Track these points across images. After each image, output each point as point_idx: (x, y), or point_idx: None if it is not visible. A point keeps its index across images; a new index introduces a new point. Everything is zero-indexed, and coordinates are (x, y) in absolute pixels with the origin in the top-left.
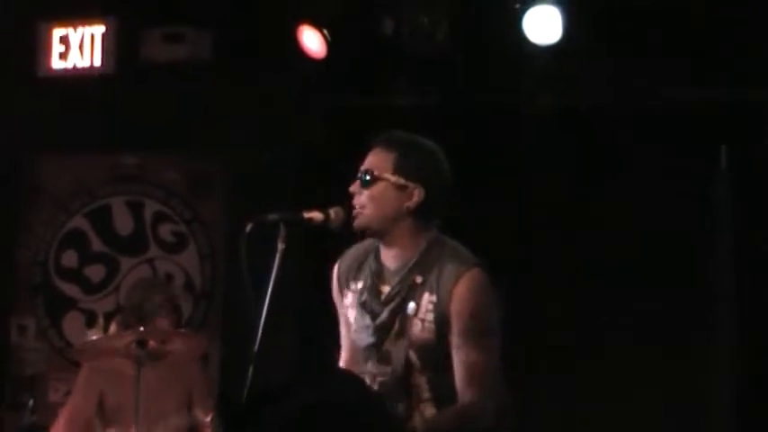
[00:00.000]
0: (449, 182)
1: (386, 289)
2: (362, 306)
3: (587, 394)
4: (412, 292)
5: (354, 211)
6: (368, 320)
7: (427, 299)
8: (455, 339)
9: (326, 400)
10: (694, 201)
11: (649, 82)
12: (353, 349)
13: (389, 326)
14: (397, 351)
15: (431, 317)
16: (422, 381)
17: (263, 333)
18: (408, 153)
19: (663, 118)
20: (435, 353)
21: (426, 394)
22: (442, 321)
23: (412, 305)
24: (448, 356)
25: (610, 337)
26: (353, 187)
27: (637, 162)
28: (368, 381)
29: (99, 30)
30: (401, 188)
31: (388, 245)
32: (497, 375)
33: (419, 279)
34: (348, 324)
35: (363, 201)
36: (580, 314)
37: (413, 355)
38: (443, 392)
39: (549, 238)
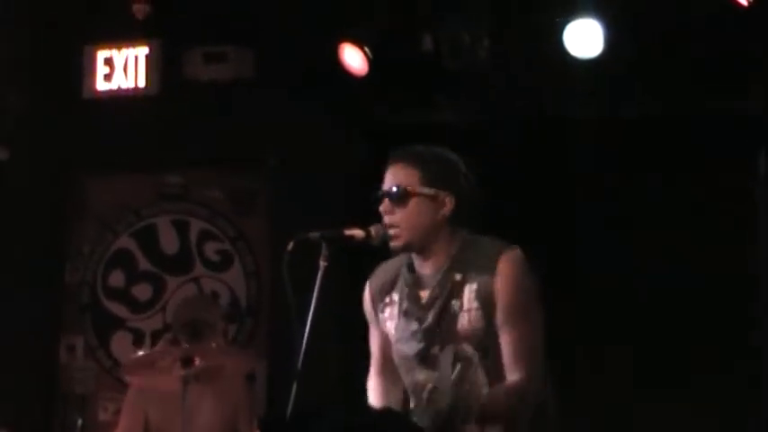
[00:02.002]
0: (473, 185)
1: (425, 294)
2: (405, 314)
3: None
4: (454, 290)
5: (392, 232)
6: (414, 326)
7: (469, 290)
8: (500, 317)
9: (369, 425)
10: (737, 209)
11: (689, 94)
12: (388, 361)
13: (435, 329)
14: (445, 355)
15: (476, 304)
16: (479, 375)
17: (306, 350)
18: (431, 164)
19: (703, 128)
20: (488, 340)
21: (485, 389)
22: (487, 303)
23: (456, 303)
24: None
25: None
26: (384, 207)
27: (679, 173)
28: (416, 393)
29: (143, 51)
30: (433, 199)
31: (424, 255)
32: (543, 353)
33: (458, 277)
34: (386, 338)
35: (398, 219)
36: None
37: (468, 349)
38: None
39: (593, 249)
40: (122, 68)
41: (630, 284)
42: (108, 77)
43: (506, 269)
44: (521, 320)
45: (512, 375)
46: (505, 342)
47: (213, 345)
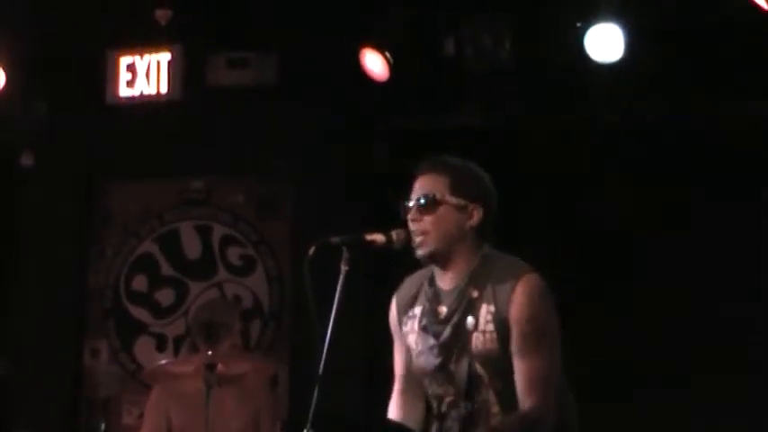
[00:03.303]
0: (497, 200)
1: (443, 309)
2: (424, 330)
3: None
4: (470, 307)
5: (418, 240)
6: (431, 341)
7: (485, 310)
8: (514, 345)
9: None
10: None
11: (710, 98)
12: (412, 375)
13: (452, 344)
14: (460, 369)
15: (491, 327)
16: (489, 395)
17: (327, 355)
18: (461, 174)
19: (724, 132)
20: (501, 363)
21: (495, 408)
22: (503, 329)
23: (471, 320)
24: (513, 367)
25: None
26: (412, 215)
27: (698, 176)
28: (435, 403)
29: (165, 57)
30: (462, 209)
31: (445, 267)
32: (558, 380)
33: (475, 293)
34: (408, 351)
35: (426, 226)
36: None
37: (479, 369)
38: (513, 405)
39: (613, 256)
40: (145, 74)
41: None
42: (130, 83)
43: (523, 297)
44: (535, 349)
45: (525, 403)
46: (519, 370)
47: (230, 345)
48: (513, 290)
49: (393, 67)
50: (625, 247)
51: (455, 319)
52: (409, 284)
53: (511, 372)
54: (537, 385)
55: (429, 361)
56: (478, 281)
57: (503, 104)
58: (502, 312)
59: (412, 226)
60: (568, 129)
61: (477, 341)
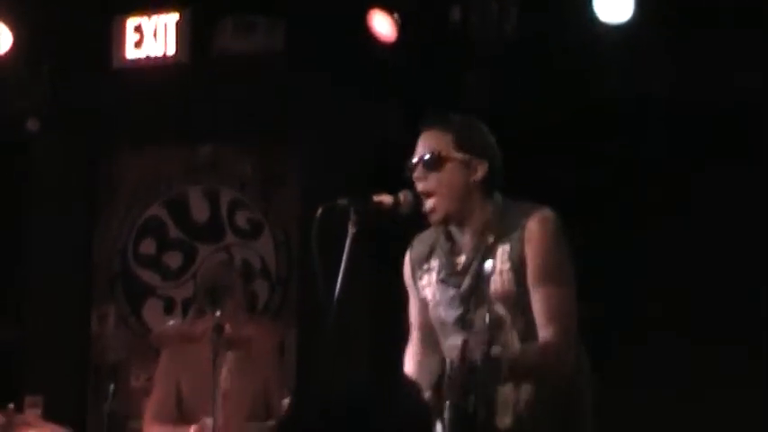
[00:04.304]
0: (500, 152)
1: (461, 260)
2: (443, 281)
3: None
4: (487, 253)
5: (428, 205)
6: (452, 292)
7: (501, 251)
8: (531, 278)
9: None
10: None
11: (721, 62)
12: (429, 327)
13: (472, 292)
14: (479, 317)
15: (507, 266)
16: (512, 336)
17: (335, 318)
18: (463, 129)
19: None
20: (521, 303)
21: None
22: (518, 264)
23: (489, 263)
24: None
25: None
26: (417, 173)
27: (708, 146)
28: (451, 351)
29: (173, 18)
30: (466, 164)
31: (460, 224)
32: (575, 314)
33: (491, 239)
34: (425, 305)
35: (432, 185)
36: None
37: (501, 310)
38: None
39: (623, 224)
40: (152, 36)
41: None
42: (138, 45)
43: (535, 230)
44: (551, 280)
45: (543, 333)
46: (536, 301)
47: (235, 306)
48: (525, 225)
49: (401, 31)
50: (639, 212)
51: (473, 267)
52: (422, 240)
53: (531, 310)
54: (555, 314)
55: (449, 312)
56: (493, 227)
57: (509, 70)
58: (516, 249)
59: (418, 185)
60: (576, 93)
61: (495, 284)
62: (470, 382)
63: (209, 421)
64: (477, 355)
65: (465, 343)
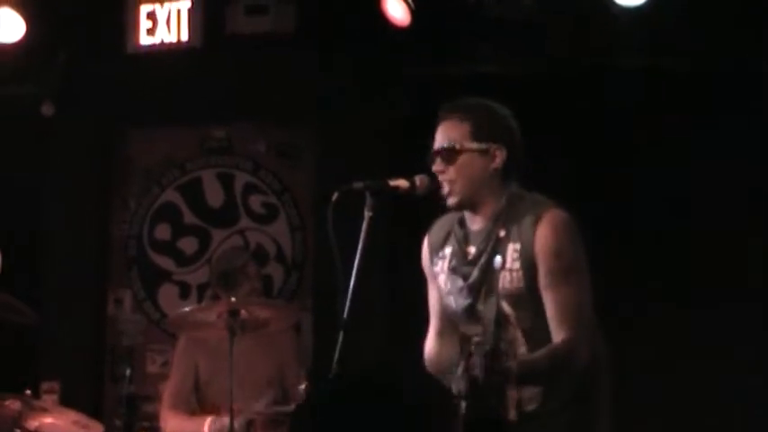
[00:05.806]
0: (521, 137)
1: (472, 250)
2: (453, 271)
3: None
4: (497, 246)
5: (446, 189)
6: (460, 282)
7: (512, 248)
8: (543, 280)
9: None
10: None
11: (735, 42)
12: (446, 315)
13: (480, 284)
14: (488, 309)
15: (517, 265)
16: (517, 334)
17: (351, 300)
18: (482, 117)
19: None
20: (528, 303)
21: (523, 348)
22: (529, 266)
23: (498, 259)
24: (540, 305)
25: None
26: (437, 166)
27: (723, 122)
28: (462, 342)
29: (185, 4)
30: (484, 153)
31: (474, 211)
32: (590, 314)
33: (502, 233)
34: (440, 291)
35: (452, 175)
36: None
37: (506, 308)
38: (541, 344)
39: (637, 201)
40: (165, 22)
41: (677, 235)
42: (151, 32)
43: (547, 231)
44: (563, 283)
45: (557, 336)
46: (549, 303)
47: (250, 289)
48: (536, 226)
49: (414, 13)
50: (653, 188)
51: (483, 260)
52: (440, 225)
53: (538, 311)
54: (568, 317)
55: (458, 302)
56: (505, 220)
57: (525, 50)
58: (527, 249)
59: (439, 176)
60: (592, 72)
61: (504, 280)
62: (478, 395)
63: (225, 420)
64: (480, 372)
65: (478, 342)
